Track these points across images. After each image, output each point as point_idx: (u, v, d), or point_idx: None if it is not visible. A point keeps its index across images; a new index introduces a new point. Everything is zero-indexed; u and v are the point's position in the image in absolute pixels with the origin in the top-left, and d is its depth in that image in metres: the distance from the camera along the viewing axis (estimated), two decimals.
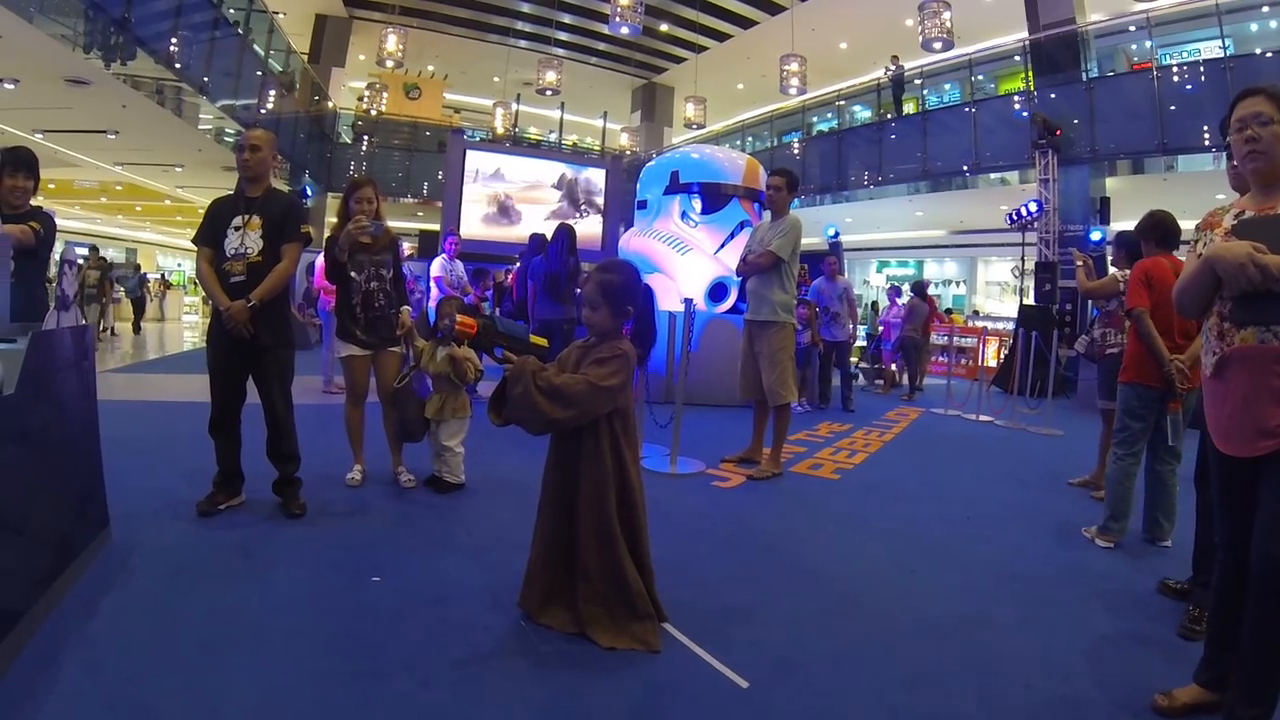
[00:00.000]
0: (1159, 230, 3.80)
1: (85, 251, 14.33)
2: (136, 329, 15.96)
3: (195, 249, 3.51)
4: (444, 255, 8.11)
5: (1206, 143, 10.47)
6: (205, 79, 12.12)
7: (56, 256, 3.55)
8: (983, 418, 8.22)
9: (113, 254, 26.09)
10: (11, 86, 10.45)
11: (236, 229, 3.40)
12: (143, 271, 18.88)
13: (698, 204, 8.73)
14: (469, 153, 14.44)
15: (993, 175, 13.65)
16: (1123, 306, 4.06)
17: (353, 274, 3.96)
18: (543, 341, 2.53)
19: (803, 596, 2.89)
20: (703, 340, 7.69)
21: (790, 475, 4.99)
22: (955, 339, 13.29)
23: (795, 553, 3.45)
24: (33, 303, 3.17)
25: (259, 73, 14.52)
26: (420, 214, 19.87)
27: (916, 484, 5.00)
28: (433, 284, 8.15)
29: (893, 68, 15.57)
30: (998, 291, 19.97)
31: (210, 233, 3.43)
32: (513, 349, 2.42)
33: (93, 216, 25.36)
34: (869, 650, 2.44)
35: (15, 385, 2.26)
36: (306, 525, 3.38)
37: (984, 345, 12.20)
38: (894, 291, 11.68)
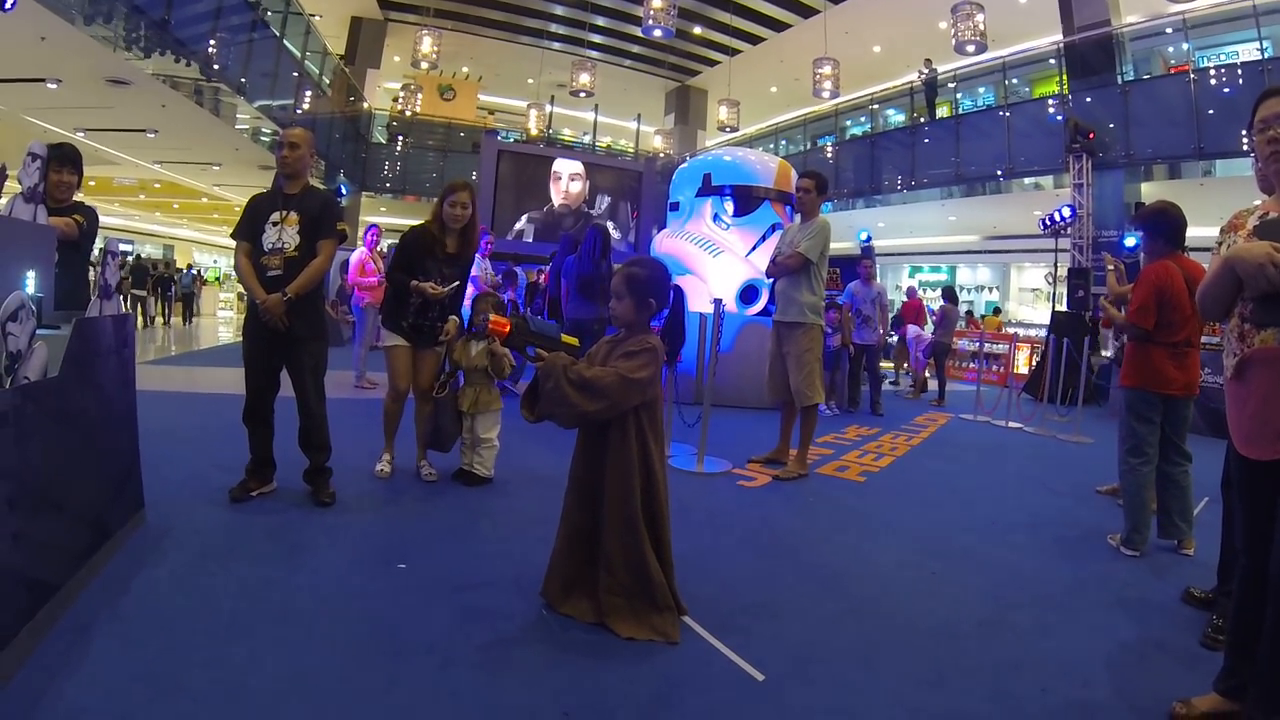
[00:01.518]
0: (1166, 223, 3.64)
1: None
2: (187, 320, 17.33)
3: (233, 245, 3.62)
4: (479, 253, 8.15)
5: (1245, 147, 10.23)
6: (243, 80, 12.37)
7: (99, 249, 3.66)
8: (1012, 424, 8.12)
9: (149, 250, 26.81)
10: (54, 86, 10.75)
11: (274, 224, 3.49)
12: (194, 269, 19.62)
13: (730, 206, 8.73)
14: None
15: (1026, 180, 13.51)
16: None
17: (418, 279, 3.98)
18: (574, 341, 2.56)
19: (823, 595, 2.89)
20: (734, 342, 7.72)
21: (816, 477, 4.98)
22: (986, 345, 13.12)
23: (817, 552, 3.45)
24: (76, 292, 3.28)
25: (295, 74, 14.78)
26: None
27: (942, 489, 4.97)
28: (468, 283, 8.23)
29: (926, 71, 15.46)
30: (1030, 298, 19.69)
31: (249, 228, 3.53)
32: (544, 348, 2.46)
33: (131, 213, 25.99)
34: (887, 649, 2.44)
35: (59, 368, 2.36)
36: (335, 513, 3.46)
37: (1014, 352, 12.04)
38: (910, 292, 11.60)
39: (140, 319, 15.28)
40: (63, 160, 3.61)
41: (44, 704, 1.79)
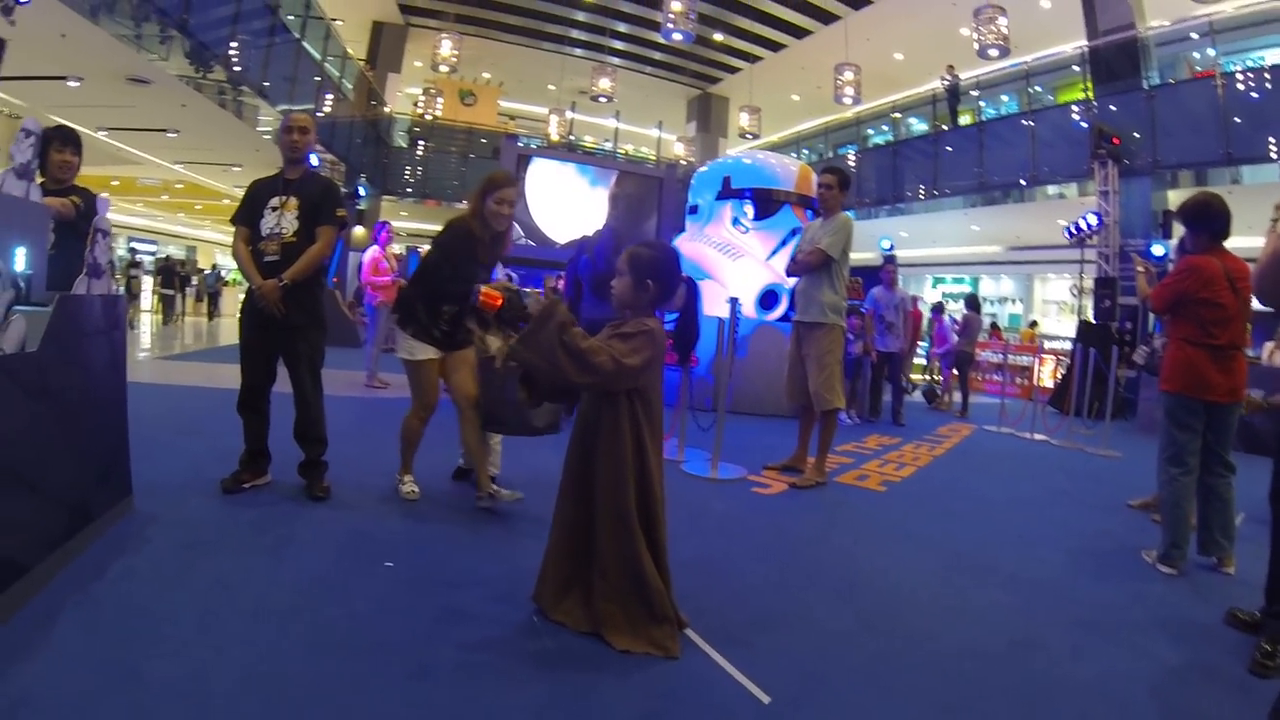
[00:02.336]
0: (1209, 216, 3.41)
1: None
2: (211, 318, 17.92)
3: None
4: None
5: (1273, 154, 9.97)
6: (265, 83, 12.42)
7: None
8: (1037, 437, 7.89)
9: (173, 250, 27.16)
10: (76, 84, 10.82)
11: (273, 209, 3.42)
12: (217, 270, 20.14)
13: (750, 210, 8.60)
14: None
15: (1050, 188, 13.22)
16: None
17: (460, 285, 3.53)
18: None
19: (838, 609, 2.70)
20: (750, 347, 7.57)
21: (834, 485, 4.81)
22: (1010, 357, 12.86)
23: (833, 564, 3.27)
24: (71, 272, 3.19)
25: (317, 77, 14.85)
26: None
27: (966, 500, 4.76)
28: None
29: (948, 78, 15.26)
30: (1055, 310, 19.35)
31: (248, 213, 3.46)
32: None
33: (155, 214, 26.27)
34: (906, 671, 2.24)
35: (38, 344, 2.25)
36: (328, 508, 3.34)
37: (1039, 364, 11.77)
38: (936, 312, 11.33)
39: (165, 316, 15.82)
40: (65, 140, 3.55)
41: None
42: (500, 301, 2.36)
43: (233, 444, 3.51)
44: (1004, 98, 15.76)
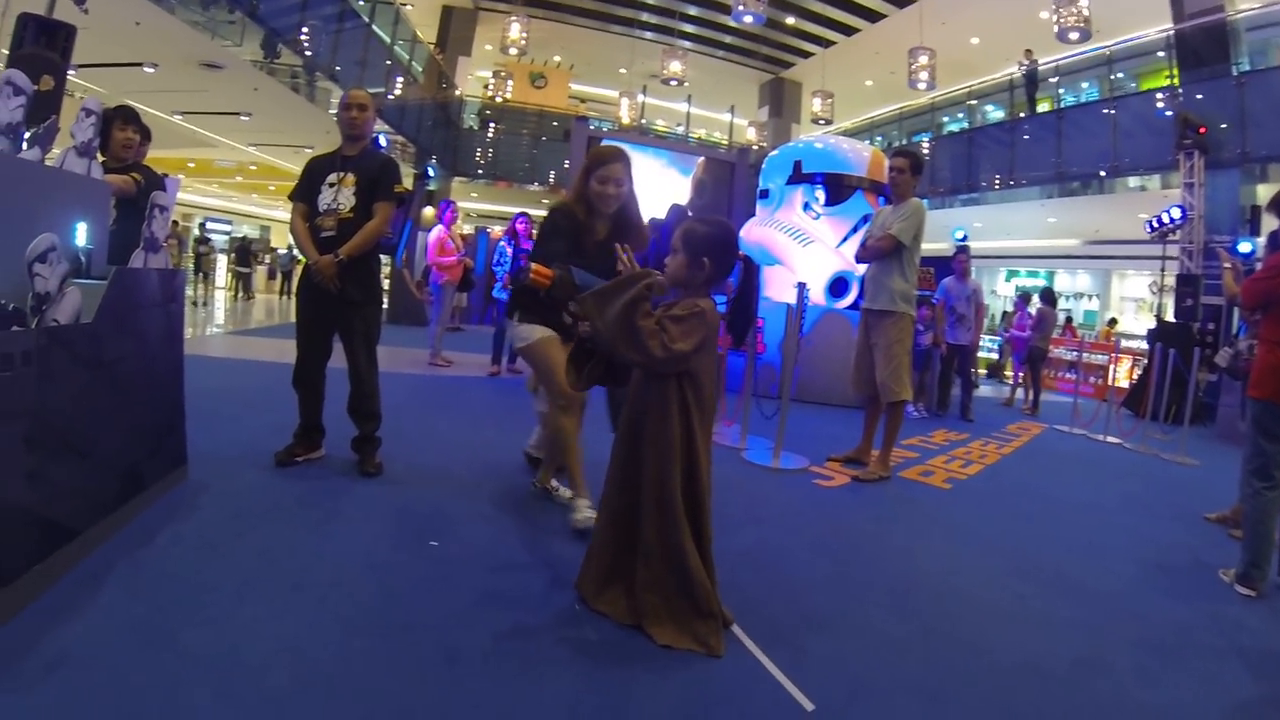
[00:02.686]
0: None
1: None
2: (283, 295, 18.82)
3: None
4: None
5: None
6: (336, 67, 12.66)
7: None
8: (1110, 439, 7.49)
9: (247, 230, 28.17)
10: (151, 70, 11.21)
11: (331, 185, 3.42)
12: (291, 249, 20.99)
13: (821, 195, 8.40)
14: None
15: (1132, 180, 12.55)
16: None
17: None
18: None
19: (894, 613, 2.56)
20: (816, 336, 7.41)
21: (898, 480, 4.64)
22: (1084, 356, 12.29)
23: (892, 562, 3.12)
24: (131, 248, 3.26)
25: (387, 61, 15.06)
26: (546, 201, 19.81)
27: (1034, 501, 4.53)
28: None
29: (1026, 63, 14.59)
30: (1133, 307, 18.46)
31: (306, 189, 3.46)
32: None
33: (229, 194, 27.22)
34: (960, 685, 2.10)
35: (93, 316, 2.29)
36: (379, 484, 3.34)
37: (1115, 364, 11.22)
38: (1021, 301, 10.85)
39: (243, 292, 16.64)
40: (127, 118, 3.63)
41: (37, 646, 1.75)
42: (551, 279, 2.27)
43: (291, 418, 3.55)
44: (1084, 84, 14.98)
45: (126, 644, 1.81)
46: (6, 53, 5.57)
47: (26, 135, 2.40)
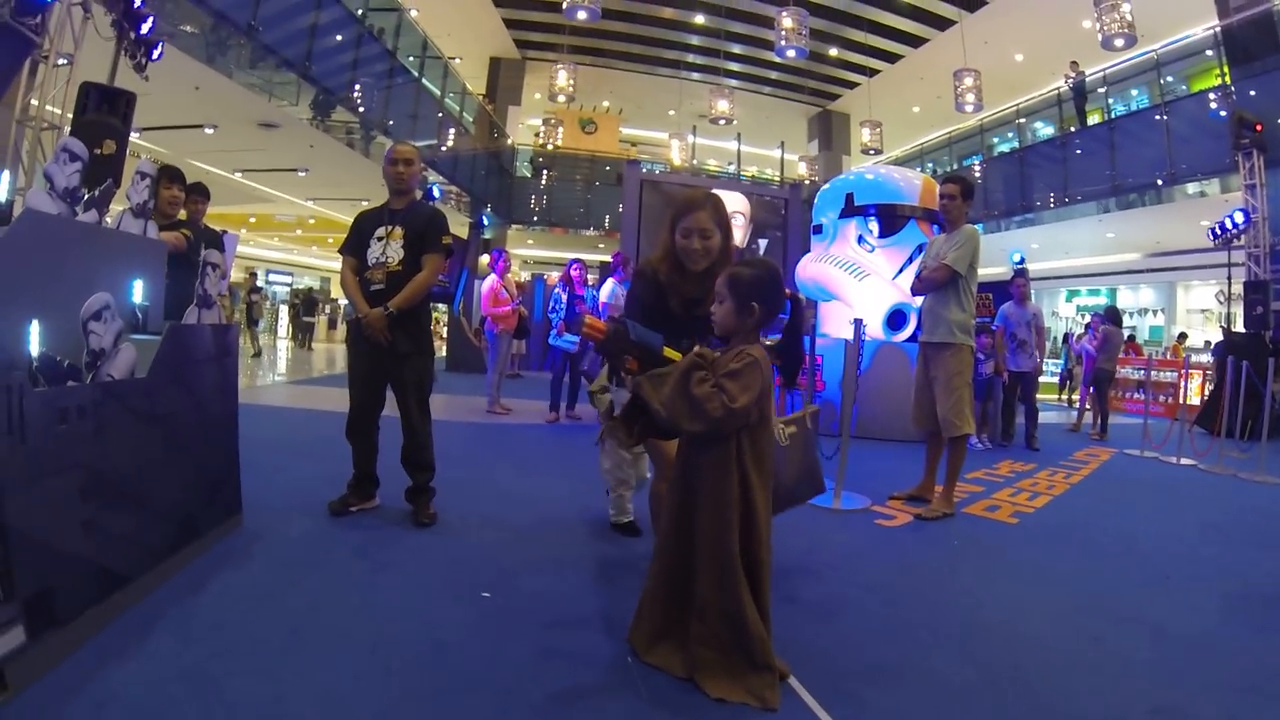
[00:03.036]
0: None
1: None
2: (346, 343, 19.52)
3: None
4: (614, 279, 7.64)
5: None
6: (389, 121, 13.11)
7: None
8: (1184, 461, 7.11)
9: (308, 281, 29.19)
10: (211, 131, 11.79)
11: (380, 239, 3.46)
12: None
13: (875, 226, 8.30)
14: None
15: (1190, 187, 12.09)
16: None
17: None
18: (676, 355, 2.25)
19: (959, 659, 2.41)
20: (874, 371, 7.26)
21: (962, 516, 4.45)
22: (1153, 374, 11.79)
23: (958, 605, 2.96)
24: (183, 303, 3.37)
25: (439, 114, 15.54)
26: (601, 246, 20.16)
27: (1106, 534, 4.28)
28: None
29: (1073, 75, 14.32)
30: (1200, 319, 17.70)
31: (355, 243, 3.52)
32: (642, 360, 2.20)
33: (289, 248, 28.30)
34: None
35: (147, 371, 2.36)
36: (433, 534, 3.33)
37: (1185, 380, 10.70)
38: (1096, 321, 10.42)
39: (301, 342, 17.17)
40: (172, 177, 3.81)
41: (87, 687, 1.80)
42: (604, 333, 2.21)
43: (345, 468, 3.58)
44: (1133, 92, 14.60)
45: (173, 691, 1.83)
46: (71, 118, 5.91)
47: (84, 198, 2.49)
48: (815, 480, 3.00)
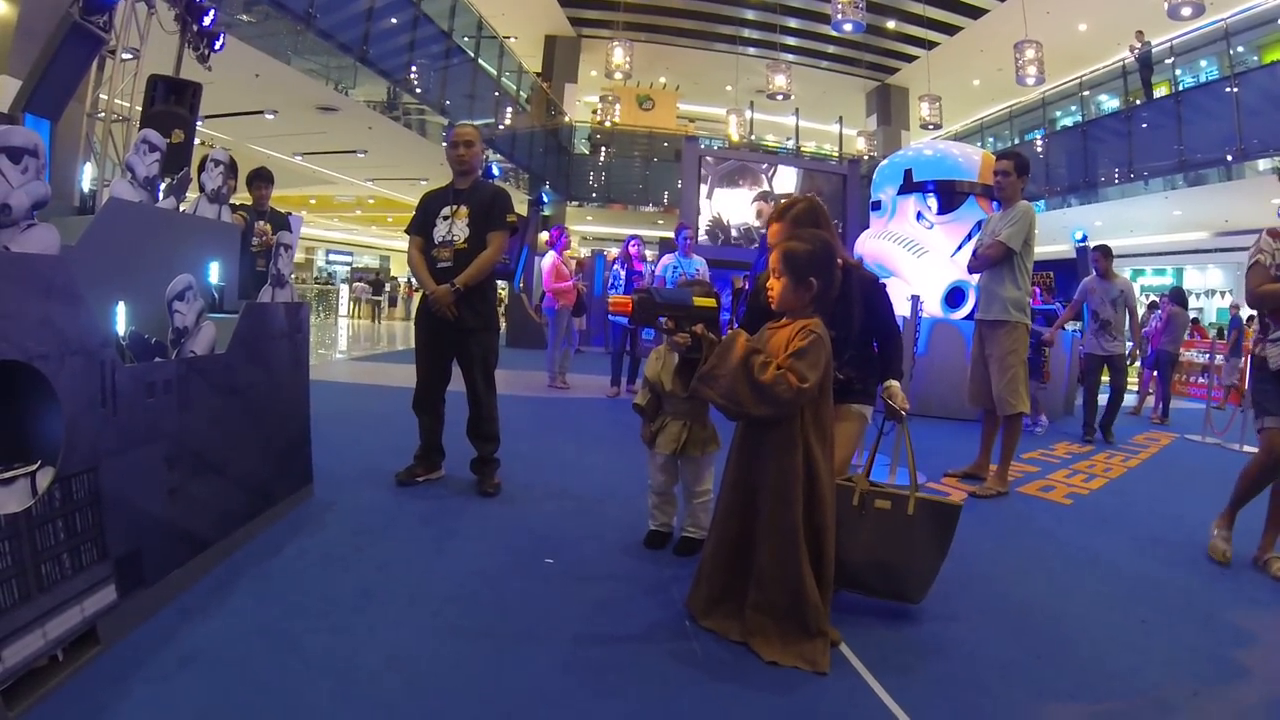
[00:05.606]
0: None
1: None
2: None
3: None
4: (674, 253, 7.54)
5: None
6: (446, 101, 13.30)
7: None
8: (1247, 449, 6.86)
9: (368, 260, 29.93)
10: (272, 117, 12.13)
11: (445, 218, 3.56)
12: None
13: (933, 203, 8.21)
14: None
15: (1261, 163, 11.48)
16: None
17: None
18: (709, 302, 2.32)
19: (1007, 636, 2.43)
20: (931, 348, 7.18)
21: (1016, 495, 4.42)
22: (1217, 358, 11.37)
23: (1008, 583, 2.97)
24: (242, 281, 3.55)
25: (495, 93, 15.70)
26: (660, 222, 20.16)
27: (1162, 519, 4.20)
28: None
29: (1139, 46, 13.67)
30: None
31: (421, 222, 3.63)
32: (675, 316, 2.26)
33: (350, 228, 28.95)
34: (1072, 713, 1.97)
35: (226, 347, 2.51)
36: (497, 504, 3.45)
37: (1250, 365, 10.26)
38: (1163, 302, 9.99)
39: (372, 318, 17.67)
40: (266, 179, 3.97)
41: (172, 642, 1.94)
42: (630, 307, 2.28)
43: (411, 440, 3.73)
44: (1202, 63, 14.00)
45: (252, 646, 1.96)
46: (140, 110, 6.19)
47: (163, 186, 2.65)
48: (892, 577, 2.52)
